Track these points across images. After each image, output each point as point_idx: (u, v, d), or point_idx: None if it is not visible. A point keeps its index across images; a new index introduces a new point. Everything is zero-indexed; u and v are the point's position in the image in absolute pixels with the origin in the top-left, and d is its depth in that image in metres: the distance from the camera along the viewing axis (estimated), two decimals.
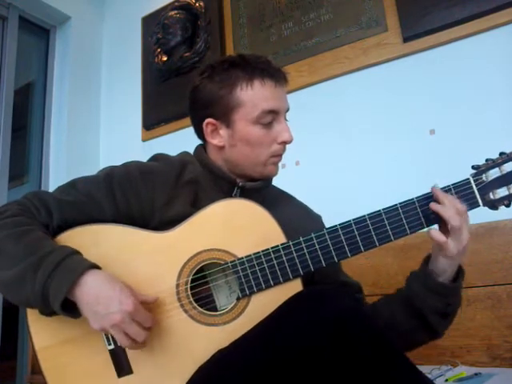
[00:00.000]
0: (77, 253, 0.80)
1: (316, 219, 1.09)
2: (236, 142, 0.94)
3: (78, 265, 0.78)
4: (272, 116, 0.93)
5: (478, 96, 1.49)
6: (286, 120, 0.97)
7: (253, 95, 0.92)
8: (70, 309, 0.77)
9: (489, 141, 1.42)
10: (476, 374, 1.13)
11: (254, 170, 0.96)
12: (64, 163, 2.28)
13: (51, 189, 0.95)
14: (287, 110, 0.98)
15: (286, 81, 0.96)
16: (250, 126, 0.92)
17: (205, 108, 0.96)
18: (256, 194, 0.97)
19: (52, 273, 0.76)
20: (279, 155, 0.96)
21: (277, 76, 0.94)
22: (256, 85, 0.92)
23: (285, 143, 0.95)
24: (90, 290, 0.76)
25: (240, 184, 0.96)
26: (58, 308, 0.76)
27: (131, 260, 0.86)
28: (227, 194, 0.96)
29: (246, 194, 0.96)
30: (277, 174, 0.99)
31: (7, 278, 0.78)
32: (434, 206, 0.84)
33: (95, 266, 0.79)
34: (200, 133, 1.00)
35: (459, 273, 0.89)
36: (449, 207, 0.82)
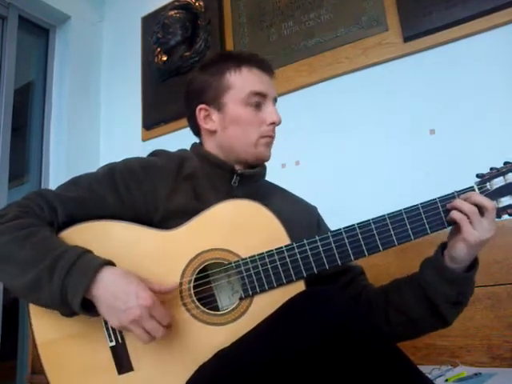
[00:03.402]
0: (88, 251, 0.80)
1: (312, 211, 1.11)
2: (227, 124, 0.98)
3: (92, 263, 0.78)
4: (259, 98, 0.98)
5: (478, 96, 1.49)
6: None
7: (241, 78, 0.98)
8: (89, 308, 0.77)
9: (489, 141, 1.43)
10: (476, 374, 1.13)
11: (246, 152, 0.98)
12: (64, 163, 2.28)
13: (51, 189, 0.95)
14: (276, 100, 1.02)
15: (272, 71, 1.02)
16: (239, 107, 0.97)
17: (197, 96, 1.01)
18: (254, 183, 1.00)
19: (67, 274, 0.76)
20: (269, 136, 0.99)
21: (263, 66, 1.01)
22: (244, 71, 0.98)
23: (273, 124, 0.99)
24: (107, 287, 0.76)
25: (239, 171, 0.97)
26: (77, 308, 0.76)
27: (133, 258, 0.86)
28: (227, 183, 0.97)
29: (244, 181, 0.98)
30: (269, 158, 1.02)
31: (22, 285, 0.78)
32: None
33: (109, 263, 0.79)
34: (194, 123, 1.04)
35: (474, 263, 0.88)
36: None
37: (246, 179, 0.99)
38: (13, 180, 2.16)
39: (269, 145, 1.01)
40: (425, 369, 1.02)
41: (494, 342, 1.25)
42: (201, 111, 1.00)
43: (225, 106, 0.98)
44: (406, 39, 1.62)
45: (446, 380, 1.11)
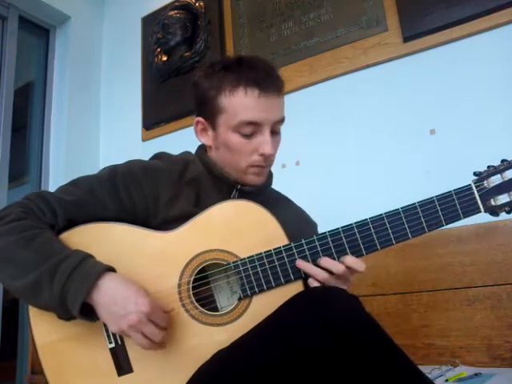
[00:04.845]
0: (90, 256, 0.81)
1: (312, 226, 1.08)
2: (219, 145, 0.95)
3: (93, 269, 0.78)
4: (252, 127, 0.90)
5: (479, 96, 1.49)
6: (276, 132, 0.94)
7: (234, 103, 0.90)
8: (88, 313, 0.78)
9: (489, 141, 1.43)
10: (476, 374, 1.13)
11: (236, 175, 0.96)
12: (64, 163, 2.28)
13: (51, 189, 0.95)
14: (279, 121, 0.94)
15: (277, 91, 0.92)
16: (230, 133, 0.92)
17: (198, 106, 0.98)
18: (254, 197, 0.96)
19: (68, 278, 0.76)
20: (259, 166, 0.94)
21: (264, 86, 0.89)
22: (239, 94, 0.89)
23: (263, 156, 0.92)
24: (108, 292, 0.77)
25: (239, 187, 0.96)
26: (77, 313, 0.76)
27: (133, 259, 0.86)
28: (226, 195, 0.96)
29: (244, 196, 0.96)
30: (262, 183, 0.98)
31: (22, 286, 0.78)
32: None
33: (110, 269, 0.80)
34: None
35: None
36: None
37: (246, 194, 0.96)
38: (13, 180, 2.16)
39: (260, 174, 0.95)
40: (425, 369, 1.02)
41: (494, 342, 1.25)
42: (198, 124, 0.98)
43: (218, 127, 0.93)
44: (406, 39, 1.62)
45: (446, 380, 1.11)
